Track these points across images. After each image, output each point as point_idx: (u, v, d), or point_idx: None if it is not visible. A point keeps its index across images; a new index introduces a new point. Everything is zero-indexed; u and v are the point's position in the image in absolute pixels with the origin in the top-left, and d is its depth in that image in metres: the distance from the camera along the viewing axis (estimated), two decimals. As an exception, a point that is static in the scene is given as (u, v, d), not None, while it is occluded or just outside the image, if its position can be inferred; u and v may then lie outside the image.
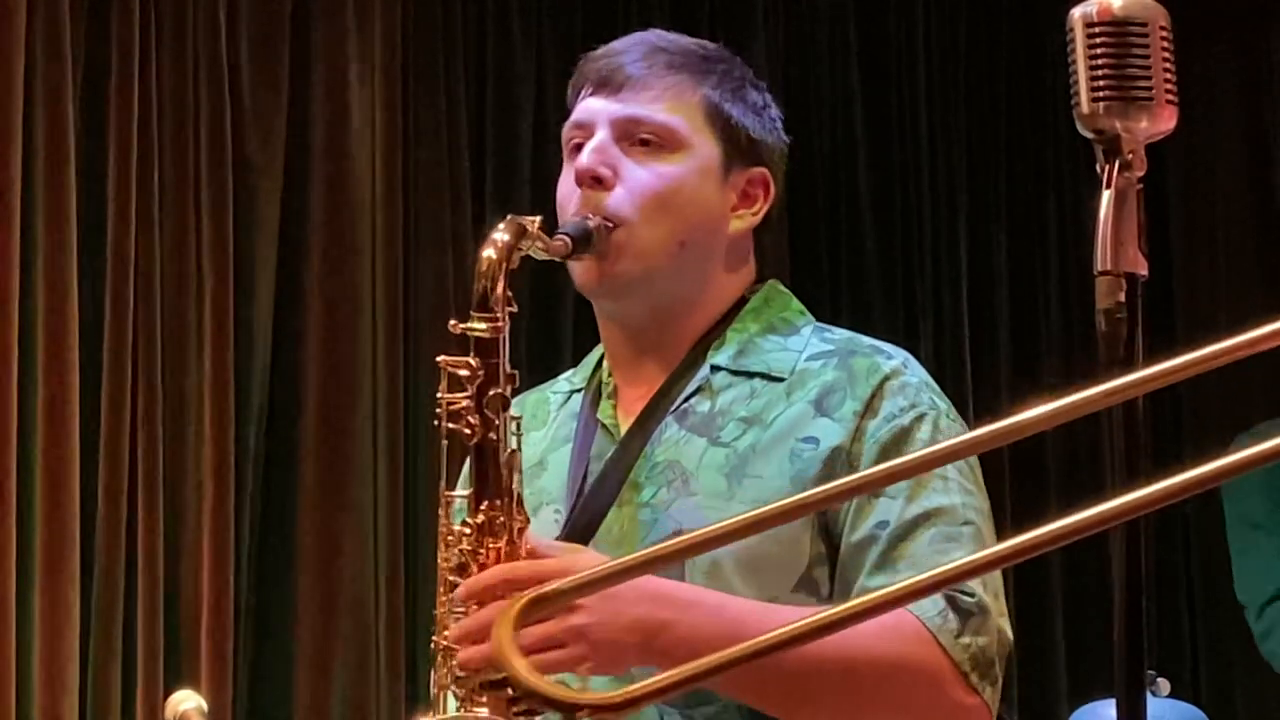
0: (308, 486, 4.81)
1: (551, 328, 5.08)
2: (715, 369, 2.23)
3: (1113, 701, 1.67)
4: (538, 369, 4.89)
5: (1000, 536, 2.20)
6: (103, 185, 4.60)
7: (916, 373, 2.20)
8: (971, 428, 2.20)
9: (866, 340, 2.24)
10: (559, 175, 2.30)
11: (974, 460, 2.18)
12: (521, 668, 1.05)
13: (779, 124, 2.34)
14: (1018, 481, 5.58)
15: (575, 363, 2.47)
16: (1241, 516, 3.86)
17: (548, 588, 1.15)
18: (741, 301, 2.29)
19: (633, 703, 1.08)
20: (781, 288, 2.34)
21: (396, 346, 4.92)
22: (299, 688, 4.74)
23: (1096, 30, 1.62)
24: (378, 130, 4.97)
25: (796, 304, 2.33)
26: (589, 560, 2.03)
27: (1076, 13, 1.64)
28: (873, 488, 1.94)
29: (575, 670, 2.03)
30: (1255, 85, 5.90)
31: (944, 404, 2.19)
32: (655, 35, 2.34)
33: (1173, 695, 4.21)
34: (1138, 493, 1.08)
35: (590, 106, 2.28)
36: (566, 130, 2.31)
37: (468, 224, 5.00)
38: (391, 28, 5.03)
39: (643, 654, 2.01)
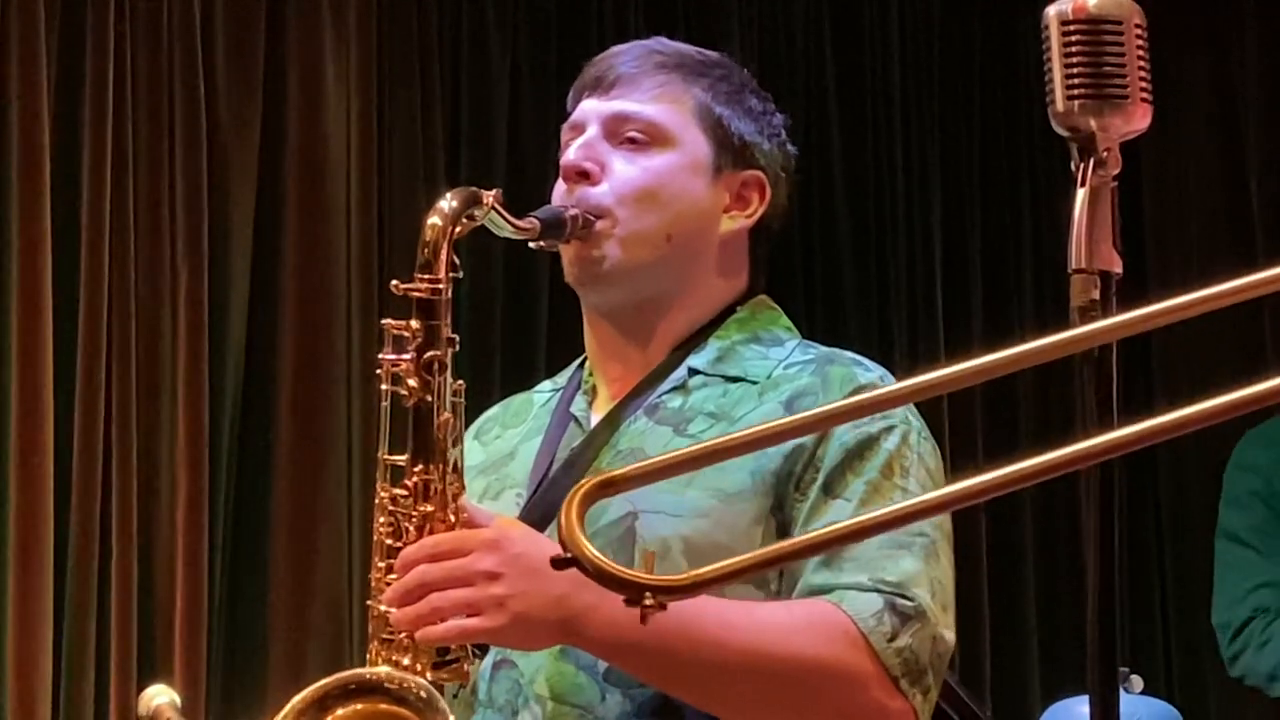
0: (282, 482, 4.81)
1: (527, 319, 5.08)
2: (693, 372, 2.24)
3: (1086, 698, 1.67)
4: (511, 360, 4.95)
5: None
6: (76, 183, 4.59)
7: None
8: (943, 426, 2.21)
9: (848, 354, 2.25)
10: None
11: (940, 480, 2.18)
12: (588, 550, 1.07)
13: (782, 132, 2.35)
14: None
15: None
16: (1226, 527, 3.80)
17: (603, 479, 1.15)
18: (729, 311, 2.29)
19: (698, 585, 1.10)
20: (771, 304, 2.34)
21: (371, 342, 4.92)
22: (272, 682, 4.73)
23: (1071, 28, 1.63)
24: (352, 122, 4.96)
25: (785, 320, 2.33)
26: (520, 532, 2.04)
27: (1051, 10, 1.64)
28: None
29: (489, 640, 2.05)
30: (1229, 83, 5.91)
31: (917, 422, 2.20)
32: (654, 41, 2.37)
33: (1146, 692, 4.22)
34: (1107, 435, 1.08)
35: (583, 108, 2.31)
36: (563, 133, 2.33)
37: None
38: (366, 19, 5.02)
39: (560, 633, 2.02)
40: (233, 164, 4.84)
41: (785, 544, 1.22)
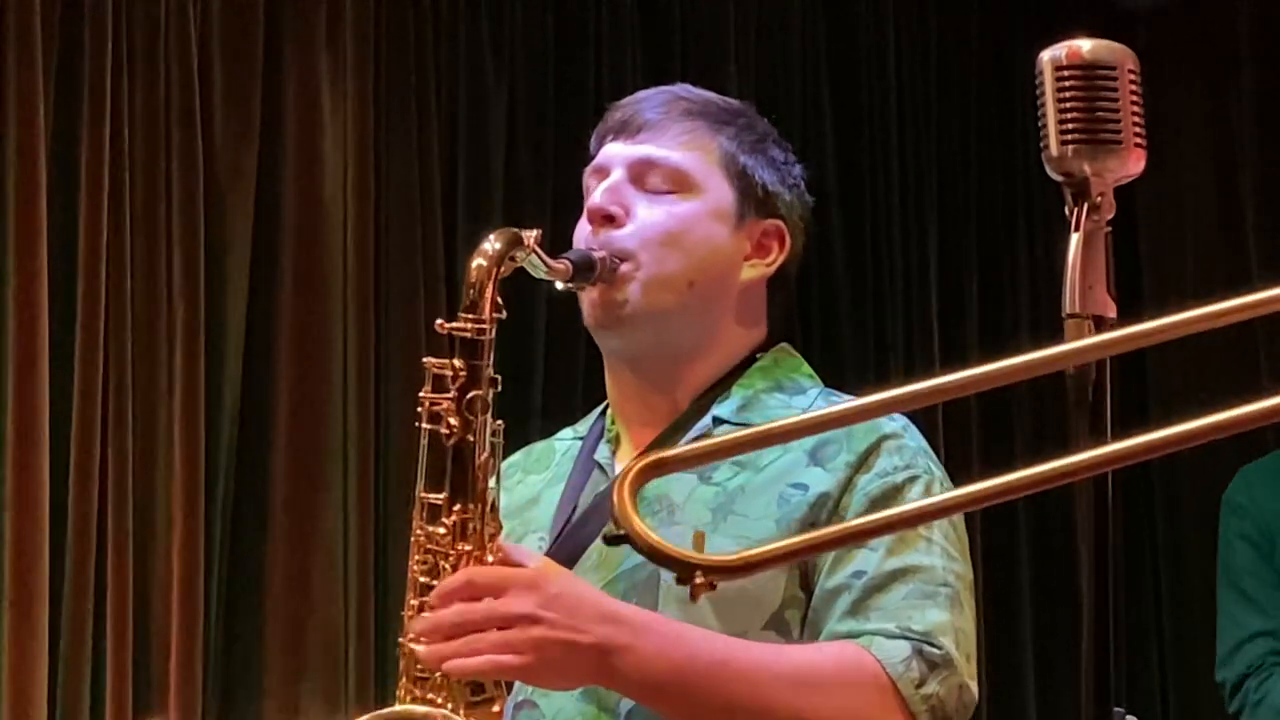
0: (278, 514, 4.80)
1: (523, 350, 5.09)
2: (718, 420, 2.24)
3: (1080, 739, 1.67)
4: (507, 390, 4.94)
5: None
6: (74, 211, 4.60)
7: (915, 438, 2.23)
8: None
9: None
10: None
11: (962, 530, 2.20)
12: (640, 527, 1.07)
13: (801, 182, 2.37)
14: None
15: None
16: (1221, 573, 3.75)
17: (648, 461, 1.16)
18: (750, 359, 2.30)
19: (750, 566, 1.11)
20: (792, 351, 2.35)
21: (367, 374, 4.92)
22: (268, 715, 4.73)
23: (1065, 74, 1.64)
24: (349, 154, 4.97)
25: (807, 368, 2.34)
26: (558, 573, 2.05)
27: (1045, 56, 1.65)
28: (863, 538, 1.94)
29: (524, 679, 2.05)
30: (1225, 127, 5.92)
31: (939, 471, 2.21)
32: (679, 87, 2.38)
33: (1140, 732, 4.21)
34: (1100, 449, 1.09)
35: (608, 151, 2.32)
36: (586, 176, 2.34)
37: (439, 244, 5.01)
38: (363, 44, 5.03)
39: (596, 674, 2.03)
40: (229, 199, 4.84)
41: (836, 529, 1.22)
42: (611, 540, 1.16)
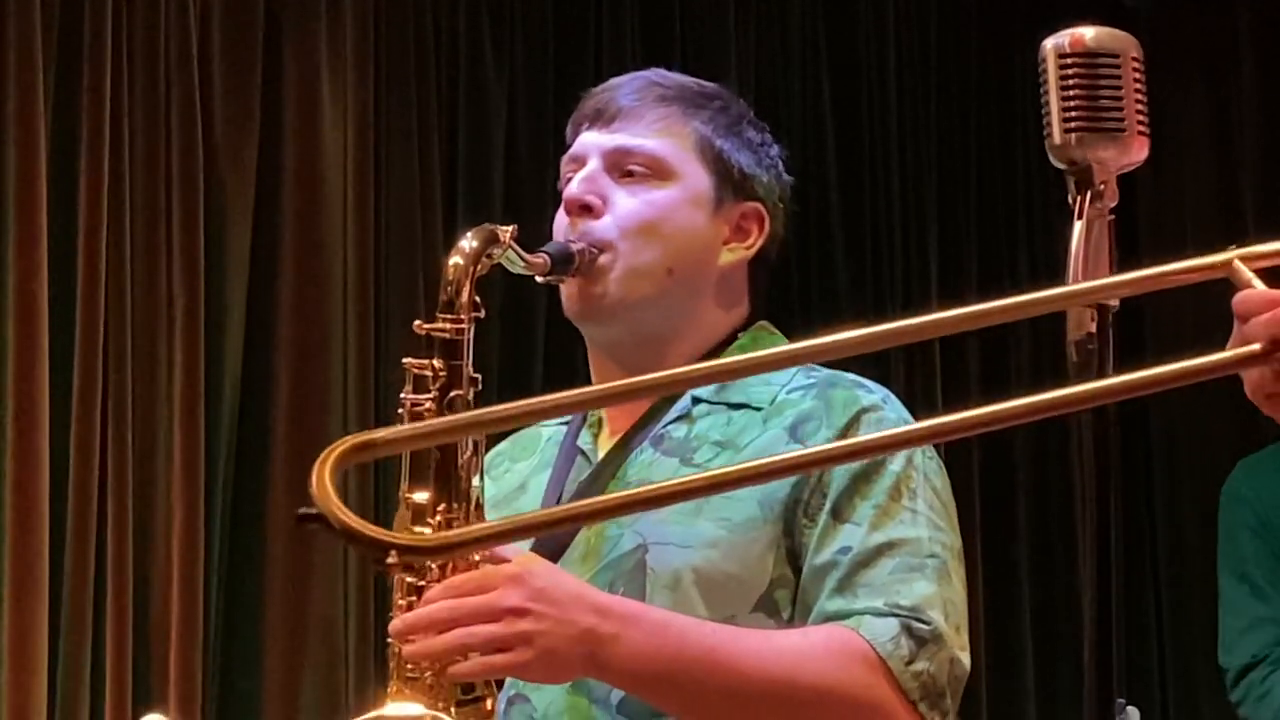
0: (277, 510, 4.80)
1: (523, 342, 5.09)
2: (696, 400, 2.24)
3: (1082, 730, 1.68)
4: (508, 383, 4.95)
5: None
6: (74, 210, 4.59)
7: (896, 410, 2.21)
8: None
9: (849, 376, 2.24)
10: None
11: (947, 498, 2.19)
12: (335, 507, 1.05)
13: (779, 163, 2.36)
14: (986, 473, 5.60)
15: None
16: (1222, 562, 3.76)
17: (375, 434, 1.11)
18: (731, 339, 2.30)
19: (448, 547, 1.08)
20: (772, 329, 2.35)
21: (367, 369, 4.92)
22: (267, 711, 4.73)
23: (1069, 61, 1.64)
24: (349, 152, 4.97)
25: (786, 344, 2.33)
26: (542, 567, 2.04)
27: (1049, 44, 1.65)
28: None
29: (516, 675, 2.05)
30: (1226, 115, 5.93)
31: None
32: (653, 73, 2.37)
33: (1142, 725, 4.21)
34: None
35: (583, 140, 2.32)
36: (562, 165, 2.34)
37: (439, 240, 5.01)
38: (363, 45, 5.03)
39: (586, 665, 2.02)
40: (229, 199, 4.84)
41: (579, 504, 1.19)
42: (303, 518, 1.14)
